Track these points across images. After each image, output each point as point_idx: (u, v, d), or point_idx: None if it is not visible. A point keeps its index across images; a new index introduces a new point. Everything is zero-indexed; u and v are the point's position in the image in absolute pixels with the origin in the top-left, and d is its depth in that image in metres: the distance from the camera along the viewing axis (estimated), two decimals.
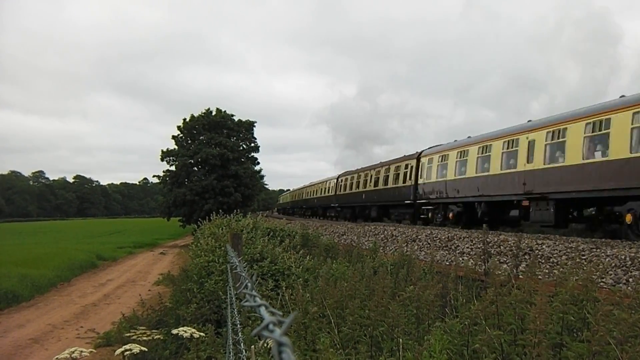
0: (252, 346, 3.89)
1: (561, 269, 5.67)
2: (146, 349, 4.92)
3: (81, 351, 4.02)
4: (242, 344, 3.07)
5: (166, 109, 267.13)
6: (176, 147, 42.46)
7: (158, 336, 6.12)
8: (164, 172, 42.93)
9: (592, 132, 13.73)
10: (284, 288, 6.94)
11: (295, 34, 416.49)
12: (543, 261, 9.97)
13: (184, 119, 42.87)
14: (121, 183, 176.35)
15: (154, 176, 45.88)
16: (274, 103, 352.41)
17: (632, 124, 12.37)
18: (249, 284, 2.04)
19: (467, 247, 13.13)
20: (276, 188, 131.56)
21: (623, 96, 13.52)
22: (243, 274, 2.53)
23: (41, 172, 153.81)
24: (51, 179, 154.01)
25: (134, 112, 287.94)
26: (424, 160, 23.74)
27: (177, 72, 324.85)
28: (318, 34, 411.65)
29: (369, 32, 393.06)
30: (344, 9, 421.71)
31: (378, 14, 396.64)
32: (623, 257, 9.09)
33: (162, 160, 42.51)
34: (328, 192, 40.07)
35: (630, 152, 12.35)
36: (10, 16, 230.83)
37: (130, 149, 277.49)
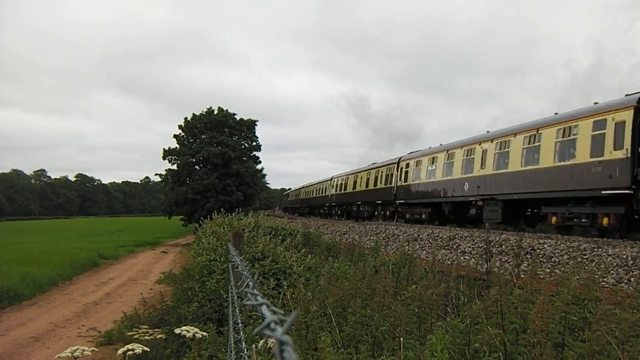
0: (254, 345, 3.89)
1: (563, 269, 5.66)
2: (148, 349, 4.92)
3: (83, 350, 4.02)
4: (243, 343, 3.07)
5: (169, 107, 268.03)
6: (178, 145, 42.52)
7: (160, 335, 6.13)
8: (165, 170, 43.02)
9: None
10: (285, 287, 6.95)
11: (299, 32, 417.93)
12: (545, 261, 9.96)
13: (186, 118, 42.96)
14: (123, 182, 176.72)
15: (155, 174, 45.99)
16: (277, 101, 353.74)
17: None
18: (251, 283, 2.04)
19: (469, 247, 13.13)
20: (278, 187, 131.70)
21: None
22: (244, 273, 2.53)
23: (43, 171, 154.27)
24: (53, 177, 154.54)
25: (136, 110, 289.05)
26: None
27: (180, 70, 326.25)
28: (322, 32, 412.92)
29: (373, 30, 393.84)
30: (349, 7, 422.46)
31: (382, 12, 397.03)
32: (625, 256, 9.08)
33: (163, 159, 42.60)
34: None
35: None
36: (13, 13, 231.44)
37: (132, 147, 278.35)
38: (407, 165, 26.84)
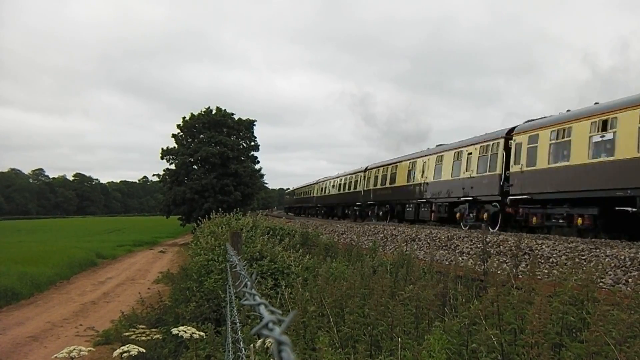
0: (252, 345, 3.89)
1: (561, 269, 5.67)
2: (144, 350, 4.91)
3: (80, 350, 4.01)
4: (241, 343, 3.07)
5: (168, 106, 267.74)
6: (176, 145, 42.52)
7: (157, 336, 6.12)
8: (164, 170, 43.03)
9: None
10: (283, 287, 6.94)
11: (299, 32, 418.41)
12: (542, 261, 9.97)
13: (184, 118, 42.98)
14: (121, 181, 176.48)
15: (153, 175, 45.95)
16: (276, 101, 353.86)
17: None
18: (249, 283, 2.04)
19: (467, 247, 13.14)
20: (276, 187, 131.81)
21: None
22: (242, 273, 2.53)
23: (41, 170, 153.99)
24: (51, 176, 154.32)
25: (135, 110, 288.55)
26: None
27: (179, 69, 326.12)
28: (322, 32, 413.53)
29: (373, 30, 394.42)
30: (349, 7, 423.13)
31: (383, 12, 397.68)
32: (622, 257, 9.10)
33: (162, 158, 42.61)
34: None
35: None
36: (12, 13, 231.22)
37: (131, 147, 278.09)
38: (532, 140, 17.09)
